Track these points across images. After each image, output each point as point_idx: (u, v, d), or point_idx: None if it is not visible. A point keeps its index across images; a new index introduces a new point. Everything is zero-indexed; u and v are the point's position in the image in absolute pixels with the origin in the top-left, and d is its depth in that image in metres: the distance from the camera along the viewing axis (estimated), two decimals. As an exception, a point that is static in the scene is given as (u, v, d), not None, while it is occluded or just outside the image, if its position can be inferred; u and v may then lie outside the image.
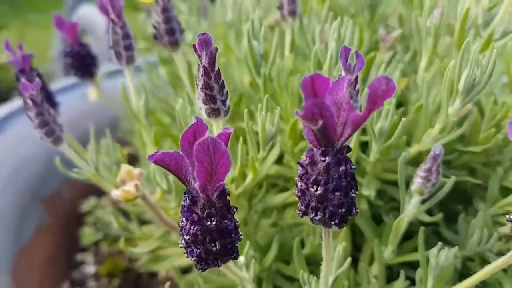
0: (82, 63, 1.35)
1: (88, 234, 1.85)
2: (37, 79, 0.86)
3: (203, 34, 0.64)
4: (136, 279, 1.71)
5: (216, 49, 0.64)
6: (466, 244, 1.09)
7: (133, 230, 1.41)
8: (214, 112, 0.71)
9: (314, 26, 1.24)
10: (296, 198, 0.61)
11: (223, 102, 0.70)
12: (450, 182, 0.89)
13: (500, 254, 1.14)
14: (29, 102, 0.86)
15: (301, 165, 0.58)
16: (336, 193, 0.56)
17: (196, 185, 0.56)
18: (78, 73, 1.37)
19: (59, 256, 1.74)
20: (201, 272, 0.66)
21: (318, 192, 0.56)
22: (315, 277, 0.80)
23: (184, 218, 0.61)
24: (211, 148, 0.52)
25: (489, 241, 1.06)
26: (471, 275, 0.88)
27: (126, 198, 0.88)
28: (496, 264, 0.74)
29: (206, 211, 0.58)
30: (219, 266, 0.64)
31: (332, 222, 0.58)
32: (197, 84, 0.70)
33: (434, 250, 0.87)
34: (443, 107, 0.93)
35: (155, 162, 0.55)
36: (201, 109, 0.72)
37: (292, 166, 1.20)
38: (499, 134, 1.16)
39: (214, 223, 0.59)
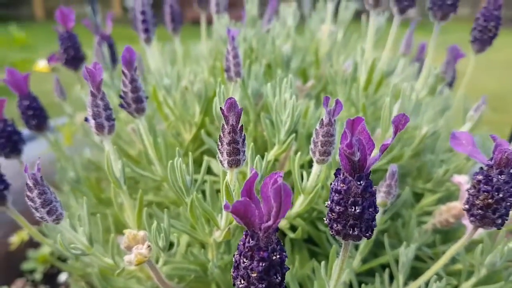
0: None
1: None
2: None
3: (230, 98, 0.75)
4: None
5: (242, 109, 0.75)
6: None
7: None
8: (236, 163, 0.81)
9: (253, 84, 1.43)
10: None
11: (244, 152, 0.81)
12: (406, 191, 1.12)
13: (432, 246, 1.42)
14: (31, 182, 0.81)
15: (338, 192, 0.71)
16: (370, 209, 0.71)
17: (265, 224, 0.65)
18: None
19: None
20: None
21: (357, 211, 0.70)
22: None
23: (247, 258, 0.68)
24: (282, 189, 0.63)
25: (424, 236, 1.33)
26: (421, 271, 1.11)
27: (140, 260, 0.88)
28: (459, 244, 0.96)
29: (270, 247, 0.68)
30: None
31: (367, 234, 0.73)
32: (221, 141, 0.79)
33: (402, 249, 1.07)
34: (383, 133, 1.17)
35: (233, 211, 0.63)
36: (224, 161, 0.81)
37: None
38: (407, 150, 1.47)
39: (278, 256, 0.68)
